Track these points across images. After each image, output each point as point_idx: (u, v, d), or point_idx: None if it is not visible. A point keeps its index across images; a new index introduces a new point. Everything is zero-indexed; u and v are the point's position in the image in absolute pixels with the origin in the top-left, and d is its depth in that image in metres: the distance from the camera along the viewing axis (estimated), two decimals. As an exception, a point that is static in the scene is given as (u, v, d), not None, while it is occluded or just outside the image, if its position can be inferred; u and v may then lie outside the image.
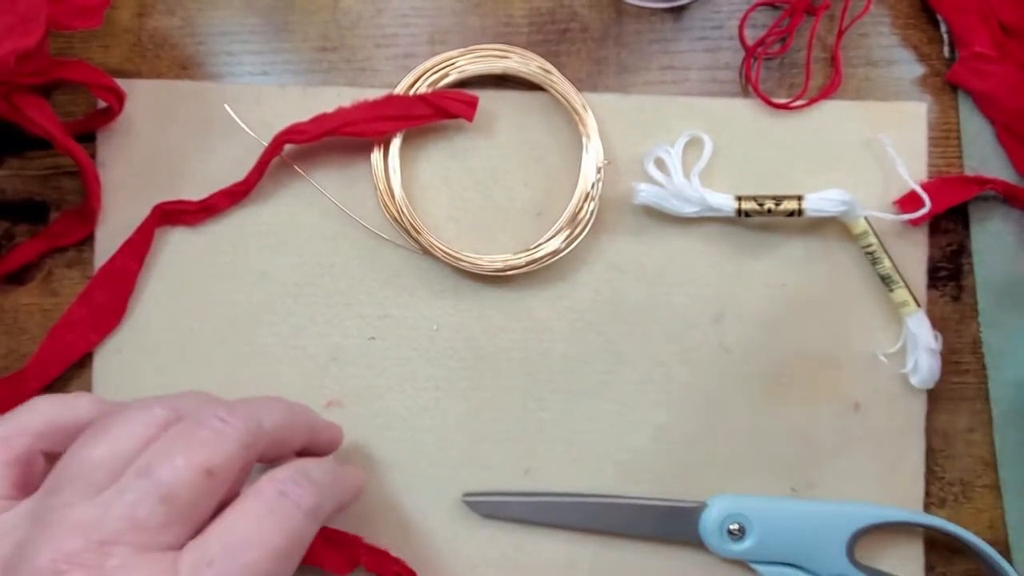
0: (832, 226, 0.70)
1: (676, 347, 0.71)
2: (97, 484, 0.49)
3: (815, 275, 0.71)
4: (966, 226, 0.72)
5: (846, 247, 0.71)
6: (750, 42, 0.72)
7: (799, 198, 0.68)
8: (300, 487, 0.53)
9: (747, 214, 0.69)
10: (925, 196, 0.69)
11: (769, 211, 0.68)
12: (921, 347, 0.69)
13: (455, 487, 0.71)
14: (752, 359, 0.71)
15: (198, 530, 0.50)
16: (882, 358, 0.70)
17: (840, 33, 0.72)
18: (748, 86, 0.72)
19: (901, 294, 0.69)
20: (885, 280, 0.69)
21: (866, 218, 0.69)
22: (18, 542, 0.49)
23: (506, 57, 0.71)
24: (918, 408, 0.71)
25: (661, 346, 0.71)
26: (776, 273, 0.71)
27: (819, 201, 0.68)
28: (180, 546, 0.49)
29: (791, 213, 0.68)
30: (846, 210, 0.68)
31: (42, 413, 0.56)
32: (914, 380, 0.69)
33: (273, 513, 0.51)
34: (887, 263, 0.69)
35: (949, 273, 0.72)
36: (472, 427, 0.71)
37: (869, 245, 0.69)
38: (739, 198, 0.68)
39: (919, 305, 0.69)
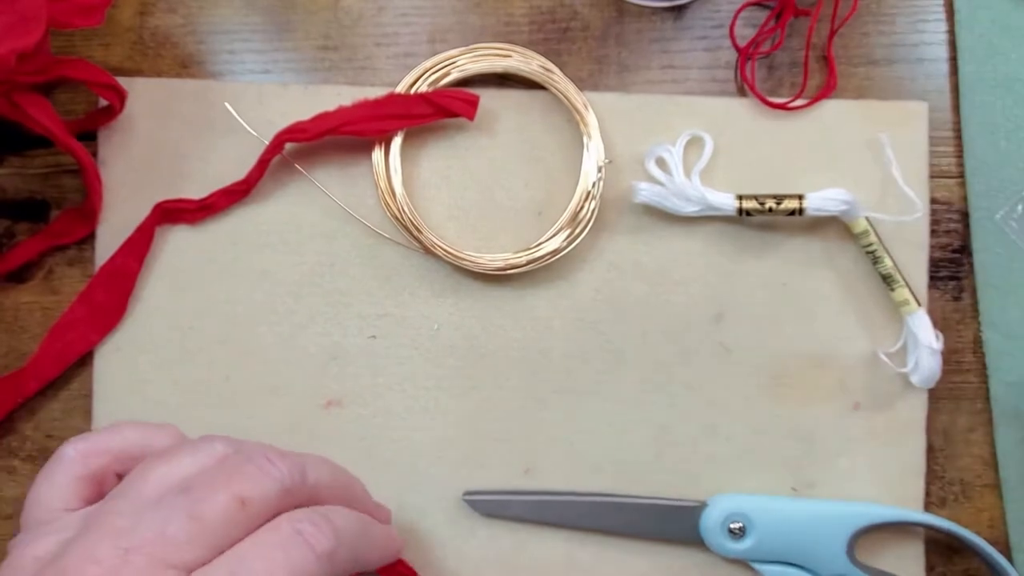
0: (832, 226, 0.70)
1: (676, 346, 0.71)
2: (145, 499, 0.50)
3: (815, 275, 0.71)
4: (966, 226, 0.72)
5: (846, 247, 0.71)
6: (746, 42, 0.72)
7: (800, 197, 0.68)
8: (317, 528, 0.52)
9: (748, 213, 0.69)
10: (917, 199, 0.69)
11: (770, 210, 0.68)
12: (922, 346, 0.68)
13: (455, 486, 0.71)
14: (752, 358, 0.71)
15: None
16: (883, 357, 0.70)
17: (831, 34, 0.72)
18: (744, 86, 0.72)
19: (902, 293, 0.69)
20: (886, 279, 0.69)
21: (867, 217, 0.69)
22: (64, 540, 0.49)
23: (507, 56, 0.71)
24: (918, 408, 0.71)
25: (661, 345, 0.71)
26: (776, 273, 0.71)
27: (820, 200, 0.68)
28: (194, 568, 0.49)
29: (792, 212, 0.68)
30: (847, 209, 0.68)
31: (124, 437, 0.57)
32: (915, 379, 0.69)
33: (284, 549, 0.50)
34: (888, 262, 0.69)
35: (950, 273, 0.72)
36: (472, 427, 0.71)
37: (870, 244, 0.69)
38: (740, 197, 0.68)
39: (920, 304, 0.69)
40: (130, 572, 0.47)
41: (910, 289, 0.69)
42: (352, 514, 0.56)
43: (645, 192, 0.69)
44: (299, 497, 0.54)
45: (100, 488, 0.55)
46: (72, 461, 0.55)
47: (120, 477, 0.56)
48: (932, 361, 0.69)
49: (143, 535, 0.48)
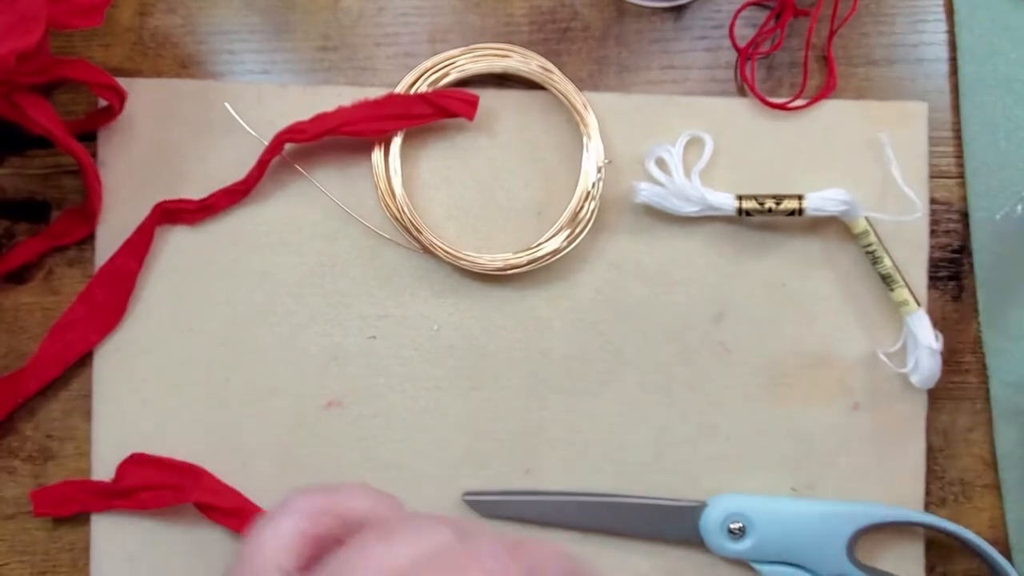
0: (832, 226, 0.70)
1: (676, 347, 0.71)
2: None
3: (815, 275, 0.71)
4: (966, 226, 0.72)
5: (846, 247, 0.71)
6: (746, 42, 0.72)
7: (800, 197, 0.68)
8: None
9: (748, 213, 0.69)
10: (917, 199, 0.69)
11: (770, 210, 0.68)
12: (922, 346, 0.68)
13: (455, 487, 0.71)
14: (752, 359, 0.71)
15: None
16: (883, 357, 0.70)
17: (831, 34, 0.72)
18: (744, 86, 0.72)
19: (901, 293, 0.69)
20: (885, 279, 0.69)
21: (866, 217, 0.69)
22: None
23: (507, 56, 0.71)
24: (918, 408, 0.71)
25: (661, 345, 0.71)
26: (776, 273, 0.71)
27: (820, 200, 0.68)
28: None
29: (792, 212, 0.68)
30: (846, 209, 0.68)
31: (352, 501, 0.56)
32: (914, 379, 0.69)
33: None
34: (888, 262, 0.69)
35: (949, 273, 0.72)
36: (472, 427, 0.71)
37: (869, 244, 0.69)
38: (740, 197, 0.69)
39: (919, 304, 0.69)
40: None
41: (909, 289, 0.69)
42: None
43: (645, 193, 0.69)
44: None
45: (320, 549, 0.54)
46: (302, 516, 0.55)
47: (339, 540, 0.55)
48: (932, 361, 0.69)
49: None
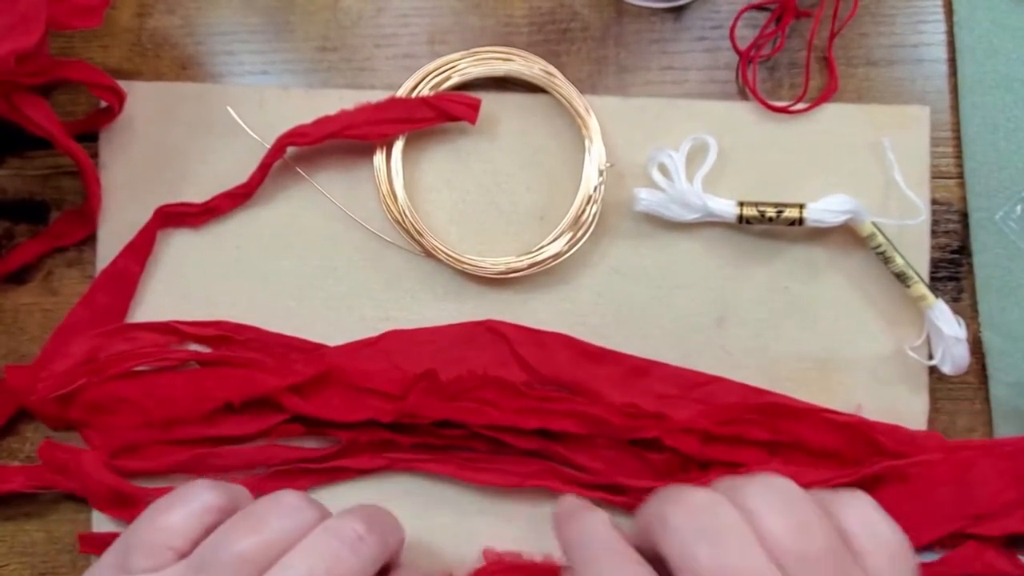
0: (834, 229, 0.70)
1: (678, 350, 0.71)
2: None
3: (817, 278, 0.71)
4: (966, 226, 0.72)
5: (848, 250, 0.71)
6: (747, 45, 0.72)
7: (800, 207, 0.68)
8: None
9: (748, 221, 0.69)
10: (920, 203, 0.69)
11: (770, 220, 0.68)
12: (948, 337, 0.68)
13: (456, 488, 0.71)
14: (754, 362, 0.71)
15: None
16: (911, 353, 0.70)
17: (832, 36, 0.72)
18: (746, 89, 0.72)
19: (918, 288, 0.69)
20: (900, 277, 0.69)
21: (873, 220, 0.69)
22: None
23: (508, 60, 0.71)
24: (919, 408, 0.71)
25: (663, 349, 0.71)
26: (778, 276, 0.71)
27: (820, 212, 0.68)
28: None
29: (792, 222, 0.68)
30: (847, 219, 0.68)
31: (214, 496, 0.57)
32: (946, 369, 0.69)
33: None
34: (899, 260, 0.68)
35: (949, 273, 0.72)
36: (473, 428, 0.71)
37: (879, 246, 0.69)
38: (741, 204, 0.68)
39: (937, 297, 0.69)
40: None
41: (925, 284, 0.69)
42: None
43: (645, 201, 0.69)
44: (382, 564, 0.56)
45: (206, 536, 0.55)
46: (207, 507, 0.56)
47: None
48: (960, 349, 0.69)
49: None
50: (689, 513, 0.51)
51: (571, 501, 0.58)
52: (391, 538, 0.57)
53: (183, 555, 0.54)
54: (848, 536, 0.52)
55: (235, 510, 0.56)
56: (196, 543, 0.54)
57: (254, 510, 0.55)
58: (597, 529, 0.55)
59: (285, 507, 0.55)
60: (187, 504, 0.56)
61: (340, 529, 0.54)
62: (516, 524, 0.70)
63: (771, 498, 0.52)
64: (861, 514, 0.53)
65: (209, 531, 0.54)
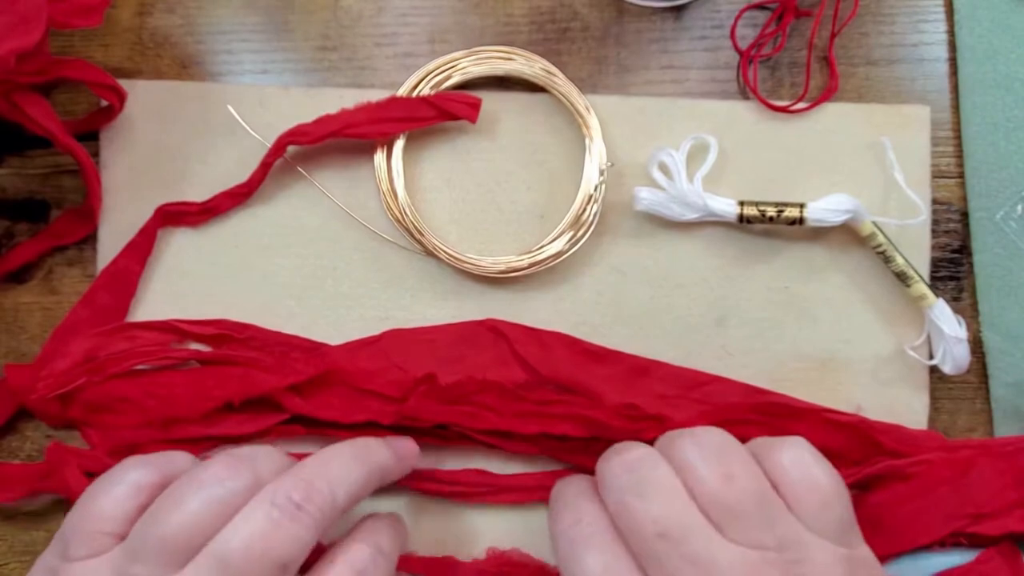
0: (835, 229, 0.70)
1: (679, 350, 0.71)
2: (177, 555, 0.51)
3: (818, 278, 0.71)
4: (966, 226, 0.72)
5: (849, 250, 0.71)
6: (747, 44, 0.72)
7: (801, 206, 0.68)
8: (376, 567, 0.56)
9: (749, 220, 0.69)
10: (920, 203, 0.69)
11: (771, 219, 0.68)
12: (948, 336, 0.68)
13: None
14: (754, 362, 0.71)
15: None
16: (911, 352, 0.70)
17: (832, 36, 0.72)
18: (747, 89, 0.72)
19: (919, 288, 0.69)
20: (900, 277, 0.69)
21: (873, 220, 0.69)
22: None
23: (509, 59, 0.71)
24: (919, 408, 0.71)
25: (663, 349, 0.71)
26: (779, 276, 0.71)
27: (821, 212, 0.68)
28: None
29: (793, 222, 0.68)
30: (847, 219, 0.68)
31: (183, 467, 0.58)
32: (947, 369, 0.69)
33: None
34: (900, 260, 0.68)
35: (949, 273, 0.72)
36: (474, 428, 0.71)
37: (879, 245, 0.69)
38: (741, 203, 0.68)
39: (937, 296, 0.69)
40: None
41: (925, 283, 0.69)
42: (393, 531, 0.61)
43: (645, 200, 0.69)
44: (334, 520, 0.56)
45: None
46: (137, 486, 0.56)
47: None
48: (961, 348, 0.69)
49: None
50: (623, 468, 0.55)
51: (570, 489, 0.59)
52: (341, 493, 0.56)
53: (121, 537, 0.54)
54: (780, 483, 0.55)
55: (170, 482, 0.56)
56: (132, 522, 0.54)
57: (178, 486, 0.54)
58: (574, 481, 0.59)
59: (210, 479, 0.54)
60: (115, 486, 0.56)
61: (276, 497, 0.53)
62: (513, 522, 0.70)
63: (702, 450, 0.55)
64: (794, 459, 0.56)
65: (144, 508, 0.54)
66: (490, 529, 0.70)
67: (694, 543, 0.52)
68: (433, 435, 0.69)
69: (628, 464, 0.56)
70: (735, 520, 0.53)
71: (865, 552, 0.56)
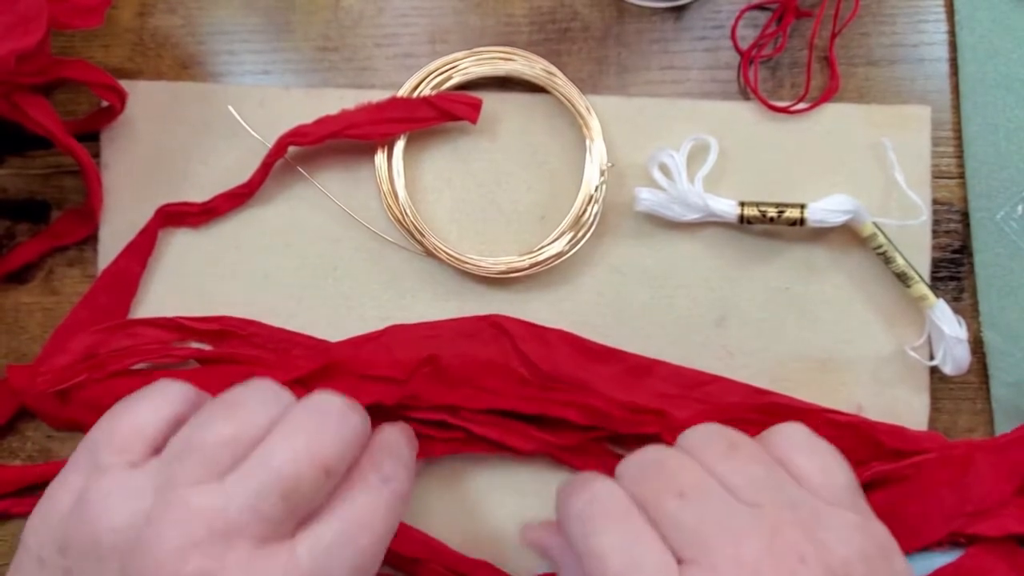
0: (835, 229, 0.70)
1: (679, 350, 0.71)
2: (220, 465, 0.51)
3: (818, 278, 0.71)
4: (967, 226, 0.72)
5: (849, 250, 0.71)
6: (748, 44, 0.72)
7: (802, 207, 0.68)
8: (399, 474, 0.55)
9: (749, 221, 0.69)
10: (921, 203, 0.70)
11: (771, 220, 0.68)
12: (949, 337, 0.68)
13: (458, 488, 0.71)
14: (755, 362, 0.71)
15: (306, 518, 0.52)
16: (911, 352, 0.70)
17: (833, 36, 0.72)
18: (747, 89, 0.72)
19: (919, 288, 0.69)
20: (901, 277, 0.69)
21: (874, 220, 0.69)
22: (142, 512, 0.50)
23: (510, 60, 0.71)
24: (920, 408, 0.71)
25: (664, 349, 0.71)
26: (779, 276, 0.71)
27: (821, 212, 0.68)
28: (293, 535, 0.51)
29: (793, 223, 0.68)
30: (848, 220, 0.68)
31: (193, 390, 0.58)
32: (947, 369, 0.69)
33: (381, 501, 0.54)
34: (900, 260, 0.68)
35: (950, 273, 0.72)
36: (474, 428, 0.71)
37: (879, 246, 0.69)
38: (742, 204, 0.69)
39: (938, 297, 0.69)
40: (237, 556, 0.49)
41: (926, 283, 0.69)
42: (405, 440, 0.60)
43: (646, 201, 0.69)
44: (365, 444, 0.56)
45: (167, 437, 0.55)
46: (177, 398, 0.56)
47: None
48: (961, 349, 0.69)
49: (237, 516, 0.49)
50: (640, 455, 0.57)
51: (582, 474, 0.58)
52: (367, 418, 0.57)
53: (155, 450, 0.53)
54: (782, 460, 0.56)
55: (205, 402, 0.56)
56: (167, 438, 0.53)
57: (228, 396, 0.54)
58: (583, 472, 0.59)
59: (261, 391, 0.54)
60: (156, 398, 0.55)
61: (321, 403, 0.54)
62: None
63: (707, 433, 0.58)
64: (791, 435, 0.58)
65: (180, 422, 0.54)
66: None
67: (714, 502, 0.52)
68: (430, 430, 0.69)
69: (643, 452, 0.57)
70: (748, 484, 0.53)
71: (879, 524, 0.56)
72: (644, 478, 0.55)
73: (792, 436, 0.58)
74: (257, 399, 0.54)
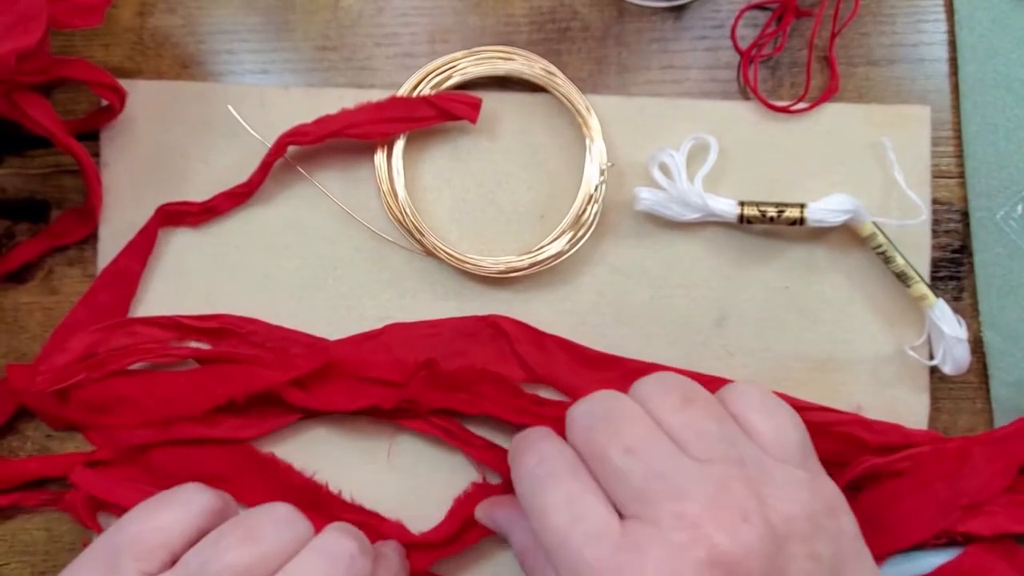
0: (835, 229, 0.70)
1: (678, 350, 0.71)
2: None
3: (818, 278, 0.71)
4: (967, 225, 0.72)
5: (850, 250, 0.71)
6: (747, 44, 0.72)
7: (801, 207, 0.68)
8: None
9: (749, 221, 0.69)
10: (920, 203, 0.70)
11: (771, 220, 0.68)
12: (948, 337, 0.68)
13: (458, 489, 0.71)
14: (755, 362, 0.71)
15: None
16: (911, 352, 0.70)
17: (833, 36, 0.72)
18: (747, 89, 0.72)
19: (919, 288, 0.69)
20: (901, 277, 0.69)
21: (873, 220, 0.69)
22: None
23: (510, 59, 0.71)
24: (920, 408, 0.71)
25: (663, 349, 0.71)
26: (779, 276, 0.71)
27: (821, 212, 0.68)
28: None
29: (793, 222, 0.68)
30: (848, 219, 0.68)
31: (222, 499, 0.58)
32: (947, 369, 0.69)
33: None
34: (900, 260, 0.68)
35: (950, 273, 0.72)
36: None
37: (879, 246, 0.69)
38: (742, 203, 0.68)
39: (938, 296, 0.69)
40: None
41: (926, 283, 0.69)
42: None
43: (646, 200, 0.69)
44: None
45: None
46: (203, 508, 0.56)
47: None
48: (961, 349, 0.69)
49: None
50: (589, 404, 0.58)
51: (533, 431, 0.60)
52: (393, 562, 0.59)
53: (176, 557, 0.54)
54: (736, 415, 0.57)
55: (227, 515, 0.56)
56: (189, 546, 0.54)
57: (247, 519, 0.55)
58: (534, 429, 0.60)
59: (279, 518, 0.55)
60: (183, 505, 0.56)
61: (334, 547, 0.54)
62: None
63: (663, 382, 0.58)
64: (745, 392, 0.59)
65: (202, 534, 0.55)
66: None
67: (661, 457, 0.53)
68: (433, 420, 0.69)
69: (593, 400, 0.57)
70: (698, 438, 0.54)
71: (828, 483, 0.57)
72: (592, 431, 0.55)
73: (747, 393, 0.59)
74: (274, 529, 0.54)
